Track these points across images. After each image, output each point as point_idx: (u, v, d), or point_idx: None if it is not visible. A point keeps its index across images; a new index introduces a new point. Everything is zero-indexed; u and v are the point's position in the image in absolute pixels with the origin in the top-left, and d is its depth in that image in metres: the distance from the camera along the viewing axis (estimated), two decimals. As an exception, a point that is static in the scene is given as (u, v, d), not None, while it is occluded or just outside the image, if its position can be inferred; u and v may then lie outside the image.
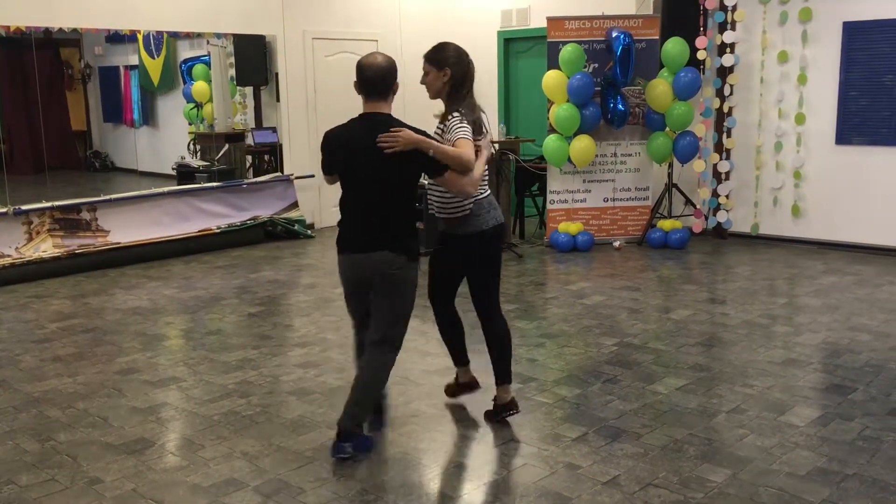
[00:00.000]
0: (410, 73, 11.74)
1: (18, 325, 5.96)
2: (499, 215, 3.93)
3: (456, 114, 3.80)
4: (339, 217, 3.91)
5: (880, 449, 3.71)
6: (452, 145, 3.67)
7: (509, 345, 4.09)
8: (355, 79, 3.66)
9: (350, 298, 3.87)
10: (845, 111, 7.81)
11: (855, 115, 7.77)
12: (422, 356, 5.08)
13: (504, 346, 4.08)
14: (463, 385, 4.34)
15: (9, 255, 7.30)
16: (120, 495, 3.41)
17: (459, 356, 4.28)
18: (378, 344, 3.74)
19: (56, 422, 4.19)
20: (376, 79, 3.62)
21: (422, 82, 3.91)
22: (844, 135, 7.85)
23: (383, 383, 3.87)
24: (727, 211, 8.54)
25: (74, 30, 8.01)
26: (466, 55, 3.89)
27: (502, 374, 4.08)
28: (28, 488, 3.48)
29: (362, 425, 3.78)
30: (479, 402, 4.34)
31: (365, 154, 3.60)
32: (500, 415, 4.08)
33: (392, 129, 3.56)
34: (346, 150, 3.67)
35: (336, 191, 3.90)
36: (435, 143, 3.63)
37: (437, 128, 3.86)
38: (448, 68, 3.82)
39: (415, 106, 10.05)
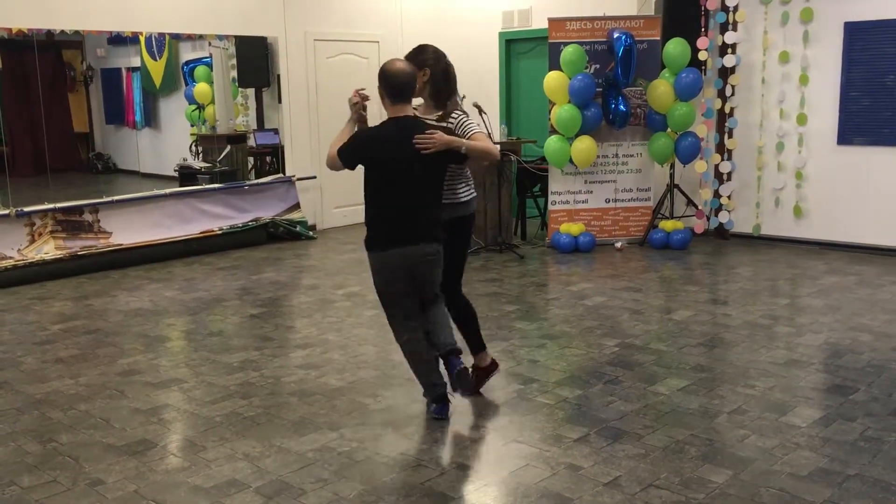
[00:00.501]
0: (412, 74, 11.58)
1: (20, 326, 5.97)
2: (475, 202, 4.38)
3: (458, 113, 4.18)
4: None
5: (882, 449, 3.71)
6: (468, 139, 4.03)
7: (476, 315, 4.48)
8: (380, 85, 3.96)
9: (400, 293, 4.06)
10: (847, 111, 7.80)
11: (856, 115, 7.77)
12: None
13: (475, 318, 4.47)
14: (483, 370, 4.47)
15: (11, 257, 7.31)
16: (122, 496, 3.41)
17: (476, 342, 4.47)
18: (435, 301, 4.13)
19: (58, 423, 4.19)
20: (404, 84, 3.95)
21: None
22: (846, 135, 7.84)
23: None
24: (729, 211, 8.54)
25: (76, 32, 8.02)
26: (444, 56, 4.26)
27: (480, 343, 4.46)
28: (30, 490, 3.49)
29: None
30: (480, 404, 4.34)
31: (401, 154, 3.89)
32: (487, 378, 4.44)
33: (428, 132, 3.88)
34: (382, 152, 3.92)
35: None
36: (464, 140, 3.99)
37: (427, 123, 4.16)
38: (427, 68, 4.17)
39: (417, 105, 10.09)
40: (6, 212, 7.32)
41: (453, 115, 4.16)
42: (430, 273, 4.05)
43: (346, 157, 3.99)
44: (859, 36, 7.65)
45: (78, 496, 3.43)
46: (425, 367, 4.12)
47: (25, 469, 3.68)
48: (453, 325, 4.24)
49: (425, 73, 4.16)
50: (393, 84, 3.93)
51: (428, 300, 4.13)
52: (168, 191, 8.50)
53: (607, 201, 8.51)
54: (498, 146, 4.82)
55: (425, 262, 3.99)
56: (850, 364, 4.84)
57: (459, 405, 4.33)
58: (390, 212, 3.96)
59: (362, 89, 4.17)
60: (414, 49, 4.27)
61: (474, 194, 4.34)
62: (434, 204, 4.04)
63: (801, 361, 4.90)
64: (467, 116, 4.16)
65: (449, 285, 4.24)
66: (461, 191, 4.24)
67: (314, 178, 9.46)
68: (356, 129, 4.14)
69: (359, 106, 4.13)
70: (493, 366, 4.49)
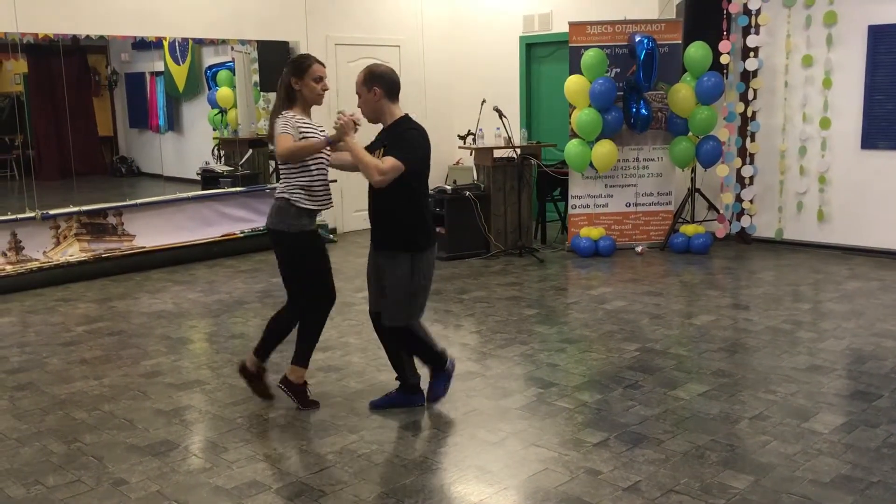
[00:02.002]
0: (432, 78, 11.85)
1: (46, 328, 6.05)
2: None
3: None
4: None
5: (905, 456, 3.67)
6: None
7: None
8: (375, 85, 4.06)
9: (427, 291, 4.21)
10: (871, 115, 7.73)
11: (881, 119, 7.69)
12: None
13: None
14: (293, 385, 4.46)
15: (37, 259, 7.41)
16: (144, 496, 3.45)
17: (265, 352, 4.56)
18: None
19: (82, 423, 4.24)
20: (398, 82, 4.13)
21: (323, 88, 4.38)
22: (870, 139, 7.77)
23: None
24: (751, 216, 8.48)
25: (101, 37, 8.12)
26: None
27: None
28: (54, 489, 3.53)
29: None
30: (499, 408, 4.35)
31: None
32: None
33: None
34: (429, 151, 4.11)
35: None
36: None
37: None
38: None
39: (436, 113, 10.13)
40: (32, 215, 7.42)
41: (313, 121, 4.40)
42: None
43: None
44: (884, 39, 7.58)
45: (101, 496, 3.47)
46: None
47: (50, 469, 3.73)
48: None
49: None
50: (394, 82, 4.11)
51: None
52: (190, 194, 8.57)
53: (628, 205, 8.48)
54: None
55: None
56: (873, 370, 4.79)
57: (477, 409, 4.34)
58: (425, 212, 4.13)
59: (351, 114, 4.12)
60: (314, 58, 4.37)
61: None
62: None
63: (824, 367, 4.86)
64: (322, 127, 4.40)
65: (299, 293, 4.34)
66: None
67: (334, 181, 9.45)
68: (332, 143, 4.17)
69: (351, 126, 4.06)
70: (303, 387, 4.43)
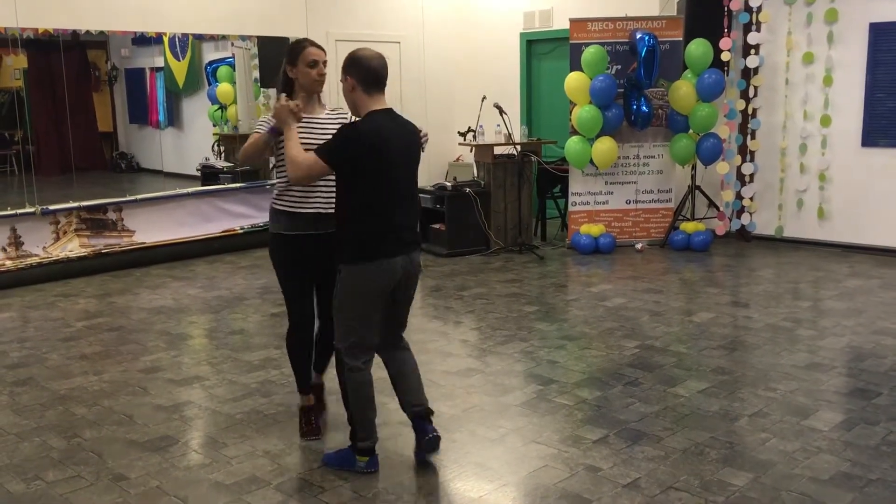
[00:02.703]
0: (433, 73, 11.83)
1: (46, 323, 6.05)
2: None
3: (334, 110, 4.01)
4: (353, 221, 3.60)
5: (905, 454, 3.68)
6: None
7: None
8: (350, 74, 3.41)
9: (373, 310, 3.49)
10: (871, 113, 7.73)
11: (881, 116, 7.69)
12: (443, 357, 5.09)
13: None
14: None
15: (36, 255, 7.41)
16: (144, 492, 3.45)
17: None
18: (403, 344, 3.75)
19: (82, 419, 4.25)
20: (383, 71, 3.44)
21: (319, 74, 3.84)
22: (870, 137, 7.76)
23: None
24: (751, 213, 8.48)
25: (101, 32, 8.11)
26: None
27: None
28: (54, 484, 3.53)
29: None
30: (499, 405, 4.35)
31: (401, 152, 3.46)
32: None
33: (419, 130, 3.61)
34: (388, 147, 3.39)
35: None
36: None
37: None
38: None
39: (436, 110, 10.12)
40: (32, 210, 7.41)
41: (330, 111, 3.93)
42: (413, 289, 3.65)
43: (339, 156, 3.36)
44: (885, 37, 7.57)
45: (101, 491, 3.47)
46: (371, 404, 3.61)
47: (50, 464, 3.73)
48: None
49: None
50: (371, 70, 3.40)
51: (399, 333, 3.71)
52: (190, 190, 8.57)
53: (628, 202, 8.48)
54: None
55: (418, 271, 3.60)
56: (872, 368, 4.79)
57: (477, 405, 4.34)
58: (399, 213, 3.45)
59: (297, 103, 3.62)
60: (309, 41, 3.90)
61: None
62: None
63: (823, 365, 4.86)
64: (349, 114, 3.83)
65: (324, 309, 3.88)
66: None
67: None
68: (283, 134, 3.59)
69: (299, 108, 3.59)
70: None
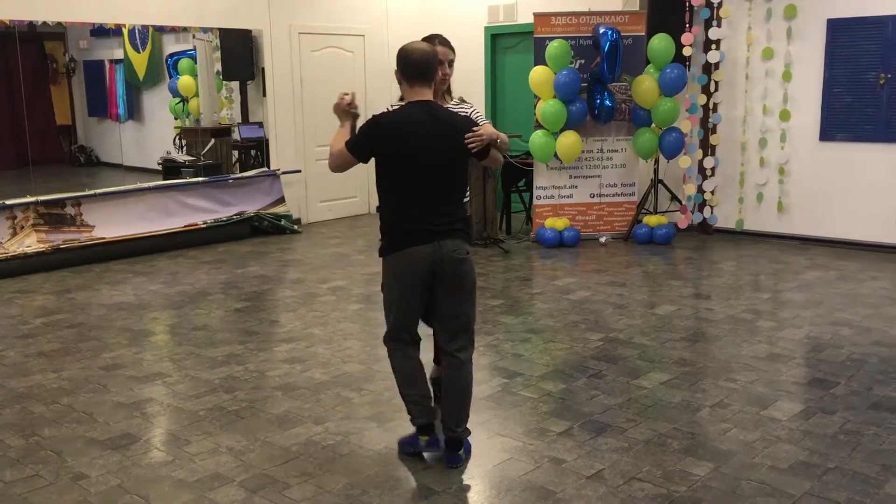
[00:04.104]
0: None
1: (2, 320, 5.93)
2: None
3: (460, 100, 4.03)
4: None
5: (861, 442, 3.75)
6: None
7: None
8: (397, 66, 3.51)
9: (411, 299, 3.52)
10: (829, 107, 7.86)
11: (839, 111, 7.82)
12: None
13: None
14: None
15: (-8, 251, 7.26)
16: (105, 491, 3.40)
17: None
18: (461, 351, 3.58)
19: (40, 417, 4.17)
20: (423, 63, 3.48)
21: (443, 73, 3.88)
22: (828, 131, 7.90)
23: (472, 379, 3.70)
24: (712, 207, 8.59)
25: (59, 23, 7.96)
26: None
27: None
28: (12, 484, 3.47)
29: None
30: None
31: (432, 142, 3.44)
32: None
33: (474, 129, 3.50)
34: (411, 139, 3.43)
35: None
36: (501, 134, 3.66)
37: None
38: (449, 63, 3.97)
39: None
40: (-13, 205, 7.26)
41: (454, 102, 3.97)
42: (459, 281, 3.50)
43: (360, 147, 3.48)
44: (841, 33, 7.70)
45: (61, 490, 3.41)
46: (416, 390, 3.67)
47: (8, 463, 3.66)
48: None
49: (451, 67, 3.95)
50: (410, 63, 3.46)
51: (447, 339, 3.57)
52: (152, 184, 8.45)
53: (592, 196, 8.53)
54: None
55: (454, 261, 3.46)
56: (830, 358, 4.89)
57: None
58: (422, 203, 3.46)
59: (349, 94, 3.69)
60: (440, 37, 3.95)
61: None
62: (462, 199, 3.63)
63: (783, 355, 4.94)
64: (474, 106, 4.01)
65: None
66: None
67: (299, 171, 9.43)
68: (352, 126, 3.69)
69: (352, 106, 3.64)
70: None
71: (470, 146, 3.49)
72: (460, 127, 3.53)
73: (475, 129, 3.51)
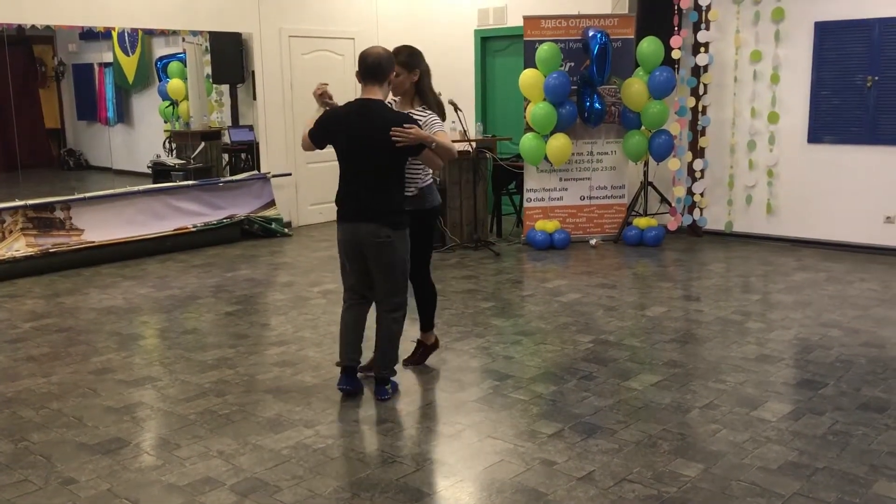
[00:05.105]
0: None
1: (-9, 324, 5.90)
2: (437, 198, 4.67)
3: (423, 108, 4.50)
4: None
5: (850, 443, 3.77)
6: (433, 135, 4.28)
7: (435, 301, 4.87)
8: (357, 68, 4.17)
9: (353, 269, 4.34)
10: (817, 110, 7.91)
11: (826, 113, 7.87)
12: (400, 354, 5.08)
13: (434, 301, 4.86)
14: (426, 347, 4.93)
15: (-19, 255, 7.22)
16: (94, 495, 3.39)
17: (427, 322, 4.89)
18: (388, 311, 4.36)
19: (29, 422, 4.15)
20: (373, 65, 4.12)
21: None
22: (816, 133, 7.95)
23: (399, 333, 4.45)
24: (702, 209, 8.62)
25: (48, 27, 7.93)
26: (424, 57, 4.58)
27: (430, 324, 4.89)
28: (1, 489, 3.45)
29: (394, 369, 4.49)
30: (455, 400, 4.36)
31: (362, 132, 4.10)
32: (428, 354, 4.91)
33: (405, 125, 4.05)
34: (345, 128, 4.15)
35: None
36: (435, 138, 4.21)
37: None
38: (418, 70, 4.50)
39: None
40: (-24, 209, 7.22)
41: (418, 109, 4.48)
42: (380, 259, 4.21)
43: (315, 133, 4.25)
44: (829, 35, 7.75)
45: (50, 495, 3.40)
46: (344, 339, 4.43)
47: (-4, 468, 3.64)
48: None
49: (415, 75, 4.49)
50: (362, 64, 4.14)
51: (378, 301, 4.38)
52: (141, 188, 8.42)
53: (582, 199, 8.56)
54: (456, 146, 5.02)
55: (373, 243, 4.16)
56: (819, 359, 4.91)
57: (434, 402, 4.35)
58: (351, 187, 4.20)
59: (325, 84, 4.39)
60: (406, 52, 4.50)
61: (427, 194, 4.56)
62: (394, 189, 4.20)
63: (772, 357, 4.97)
64: (433, 114, 4.47)
65: (415, 270, 4.55)
66: (421, 184, 4.52)
67: (289, 175, 9.42)
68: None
69: (325, 96, 4.33)
70: (435, 345, 4.96)
71: (394, 139, 4.02)
72: (390, 123, 4.05)
73: (406, 125, 4.05)
